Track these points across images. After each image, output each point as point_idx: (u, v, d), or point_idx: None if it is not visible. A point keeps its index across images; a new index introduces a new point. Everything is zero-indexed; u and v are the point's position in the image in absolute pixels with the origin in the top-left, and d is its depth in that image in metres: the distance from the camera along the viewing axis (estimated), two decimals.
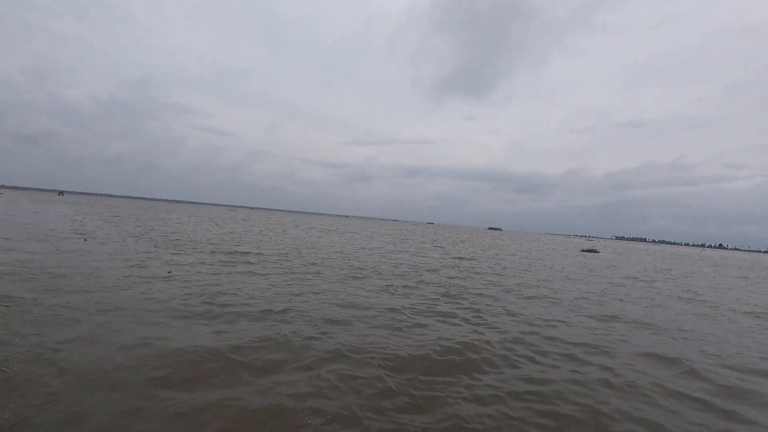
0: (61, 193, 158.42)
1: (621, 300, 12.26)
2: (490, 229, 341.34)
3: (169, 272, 10.71)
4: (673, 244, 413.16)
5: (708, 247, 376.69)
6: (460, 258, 22.79)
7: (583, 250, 45.41)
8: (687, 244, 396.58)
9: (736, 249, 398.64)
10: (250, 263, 13.75)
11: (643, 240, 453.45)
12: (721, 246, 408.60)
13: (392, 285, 11.65)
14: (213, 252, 15.95)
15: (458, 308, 9.23)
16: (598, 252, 45.19)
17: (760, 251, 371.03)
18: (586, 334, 7.77)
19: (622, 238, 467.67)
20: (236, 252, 16.41)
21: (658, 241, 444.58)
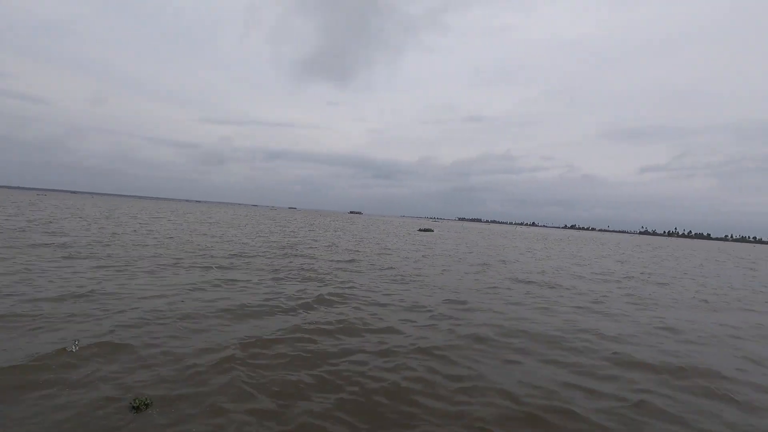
0: None
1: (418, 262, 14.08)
2: (351, 213, 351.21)
3: None
4: (501, 223, 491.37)
5: (523, 225, 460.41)
6: (283, 246, 22.92)
7: (420, 230, 50.60)
8: (512, 223, 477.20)
9: (544, 226, 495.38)
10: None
11: (479, 220, 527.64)
12: (534, 224, 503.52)
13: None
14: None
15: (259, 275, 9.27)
16: (432, 231, 50.96)
17: (561, 227, 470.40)
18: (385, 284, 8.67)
19: (464, 219, 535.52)
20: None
21: (491, 221, 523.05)
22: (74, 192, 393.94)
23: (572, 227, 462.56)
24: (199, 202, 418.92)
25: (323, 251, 17.70)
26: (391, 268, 13.78)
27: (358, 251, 18.67)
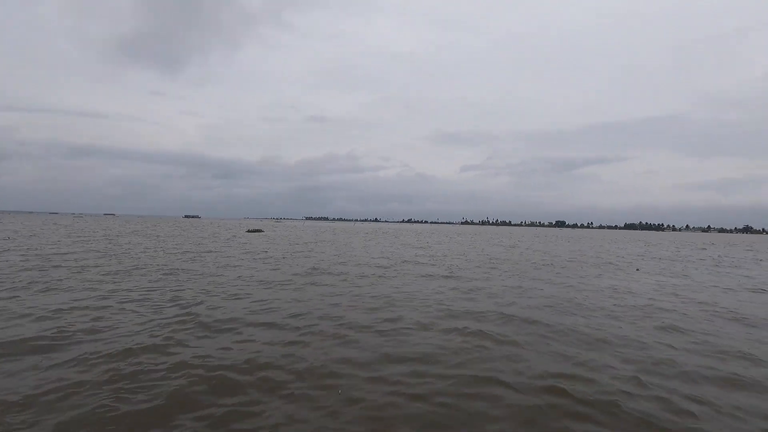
0: None
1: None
2: (187, 217, 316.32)
3: None
4: (347, 220, 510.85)
5: (366, 221, 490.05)
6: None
7: (248, 231, 48.59)
8: (355, 220, 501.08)
9: (386, 221, 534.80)
10: None
11: (326, 219, 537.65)
12: (376, 219, 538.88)
13: None
14: None
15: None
16: (262, 231, 49.50)
17: (399, 221, 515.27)
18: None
19: (311, 218, 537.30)
20: None
21: (337, 219, 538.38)
22: None
23: (409, 221, 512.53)
24: None
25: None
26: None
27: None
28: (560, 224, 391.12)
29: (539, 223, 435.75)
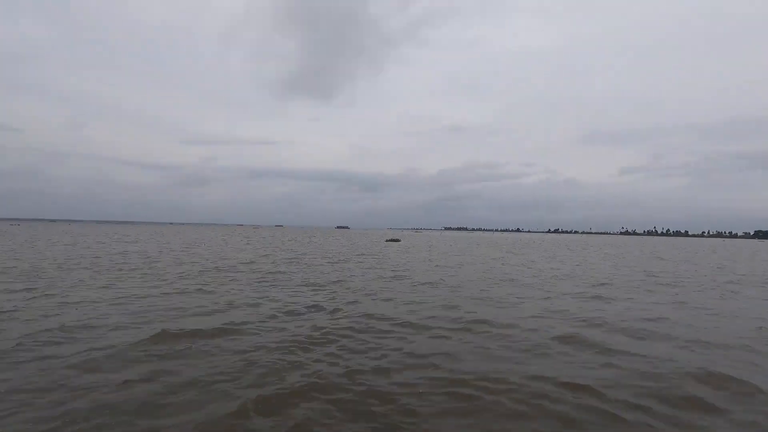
0: None
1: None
2: (338, 228, 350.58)
3: None
4: (487, 230, 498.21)
5: (503, 231, 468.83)
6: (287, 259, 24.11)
7: (387, 240, 52.20)
8: (497, 230, 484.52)
9: (529, 231, 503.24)
10: None
11: (465, 228, 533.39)
12: (518, 230, 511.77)
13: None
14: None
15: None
16: (399, 241, 52.59)
17: (545, 231, 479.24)
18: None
19: (449, 228, 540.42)
20: None
21: (476, 229, 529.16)
22: (52, 220, 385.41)
23: (555, 231, 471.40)
24: (183, 224, 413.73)
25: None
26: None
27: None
28: (764, 235, 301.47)
29: (729, 233, 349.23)
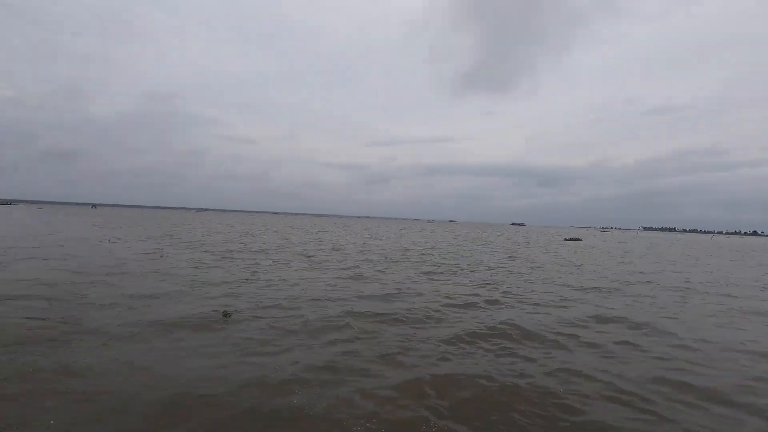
0: (94, 206, 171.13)
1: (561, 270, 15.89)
2: (513, 224, 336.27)
3: (161, 255, 14.98)
4: (701, 232, 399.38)
5: (728, 233, 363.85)
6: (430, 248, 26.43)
7: (566, 239, 48.22)
8: (720, 233, 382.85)
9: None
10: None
11: (673, 230, 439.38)
12: (755, 233, 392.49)
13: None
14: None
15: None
16: (580, 240, 47.92)
17: None
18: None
19: (650, 229, 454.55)
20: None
21: (689, 230, 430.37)
22: (275, 213, 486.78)
23: None
24: (368, 218, 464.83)
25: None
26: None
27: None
28: None
29: None
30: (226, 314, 7.50)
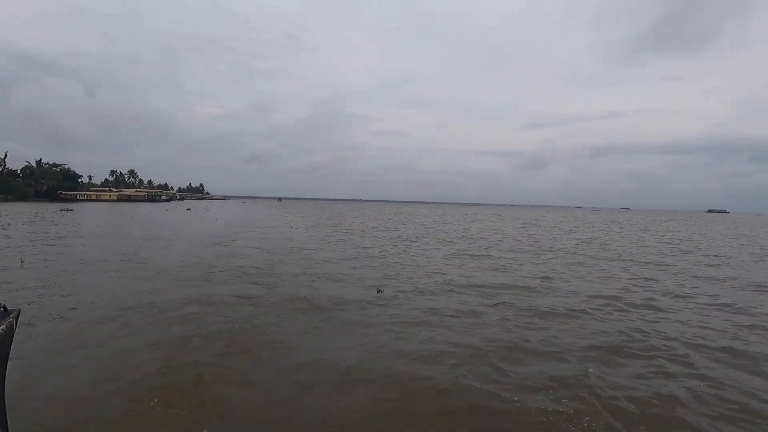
0: (280, 199, 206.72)
1: None
2: (709, 211, 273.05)
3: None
4: None
5: None
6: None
7: None
8: None
9: None
10: None
11: None
12: None
13: None
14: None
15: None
16: None
17: None
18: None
19: None
20: None
21: None
22: (427, 202, 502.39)
23: None
24: (522, 206, 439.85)
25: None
26: None
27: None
28: None
29: None
30: None
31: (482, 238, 21.83)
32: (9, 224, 22.46)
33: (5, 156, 76.21)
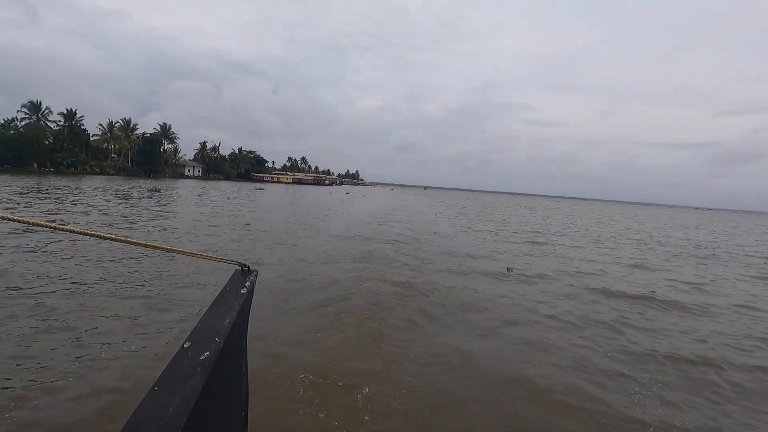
0: (425, 188, 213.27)
1: None
2: None
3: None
4: None
5: None
6: None
7: None
8: None
9: None
10: None
11: None
12: None
13: None
14: None
15: None
16: None
17: None
18: None
19: None
20: None
21: None
22: (584, 199, 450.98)
23: None
24: (710, 209, 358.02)
25: None
26: None
27: None
28: None
29: None
30: None
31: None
32: (229, 197, 29.93)
33: (219, 144, 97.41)
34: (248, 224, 14.70)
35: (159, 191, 29.60)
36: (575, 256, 12.52)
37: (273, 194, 41.57)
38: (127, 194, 24.78)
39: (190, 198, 26.64)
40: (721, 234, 29.60)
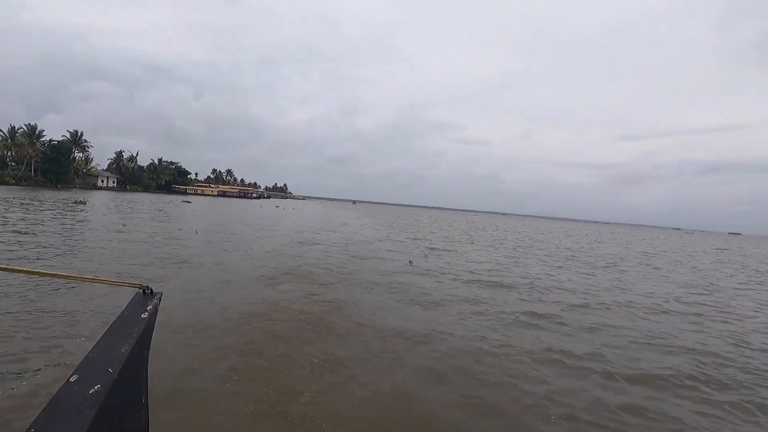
0: (354, 202, 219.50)
1: None
2: None
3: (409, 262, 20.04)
4: None
5: None
6: None
7: None
8: None
9: None
10: None
11: None
12: None
13: None
14: None
15: None
16: None
17: None
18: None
19: None
20: None
21: None
22: (503, 214, 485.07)
23: None
24: (608, 223, 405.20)
25: None
26: None
27: None
28: None
29: None
30: None
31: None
32: (161, 209, 29.59)
33: (137, 154, 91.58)
34: (196, 232, 16.32)
35: (84, 203, 28.04)
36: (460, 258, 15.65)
37: (205, 207, 41.20)
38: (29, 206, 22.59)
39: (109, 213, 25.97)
40: (586, 241, 34.94)
